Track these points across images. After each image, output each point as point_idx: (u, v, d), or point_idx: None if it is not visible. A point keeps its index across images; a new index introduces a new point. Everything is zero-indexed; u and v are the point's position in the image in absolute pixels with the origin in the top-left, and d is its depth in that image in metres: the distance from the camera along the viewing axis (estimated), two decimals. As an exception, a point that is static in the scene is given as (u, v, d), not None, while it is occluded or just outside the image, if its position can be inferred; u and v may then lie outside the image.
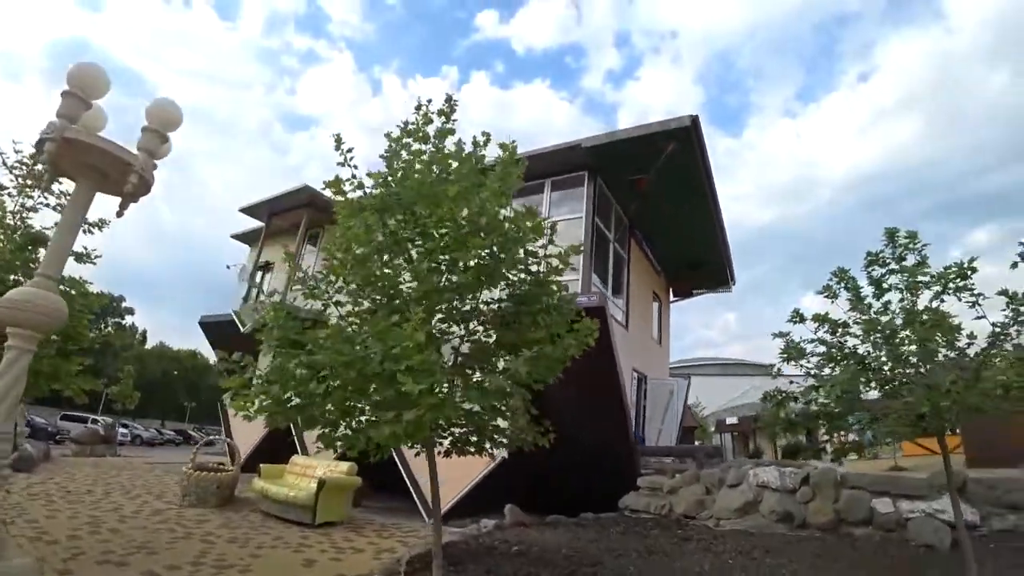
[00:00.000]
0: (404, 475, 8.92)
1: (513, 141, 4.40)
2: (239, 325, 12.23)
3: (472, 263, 4.04)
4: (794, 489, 8.58)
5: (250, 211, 13.83)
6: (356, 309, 4.49)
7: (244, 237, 15.78)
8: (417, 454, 4.67)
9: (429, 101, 4.84)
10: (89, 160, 3.30)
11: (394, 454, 9.31)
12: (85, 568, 4.94)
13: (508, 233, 4.04)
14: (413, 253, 4.30)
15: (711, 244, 12.93)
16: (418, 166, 4.47)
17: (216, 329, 14.00)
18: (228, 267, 14.96)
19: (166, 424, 39.12)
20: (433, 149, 4.71)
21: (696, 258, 13.79)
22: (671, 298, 16.02)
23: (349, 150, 4.59)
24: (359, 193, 4.62)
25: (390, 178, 4.47)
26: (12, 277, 5.43)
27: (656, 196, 10.96)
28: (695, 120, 9.34)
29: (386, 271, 4.26)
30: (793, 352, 6.30)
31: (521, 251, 4.18)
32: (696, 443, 23.79)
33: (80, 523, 6.42)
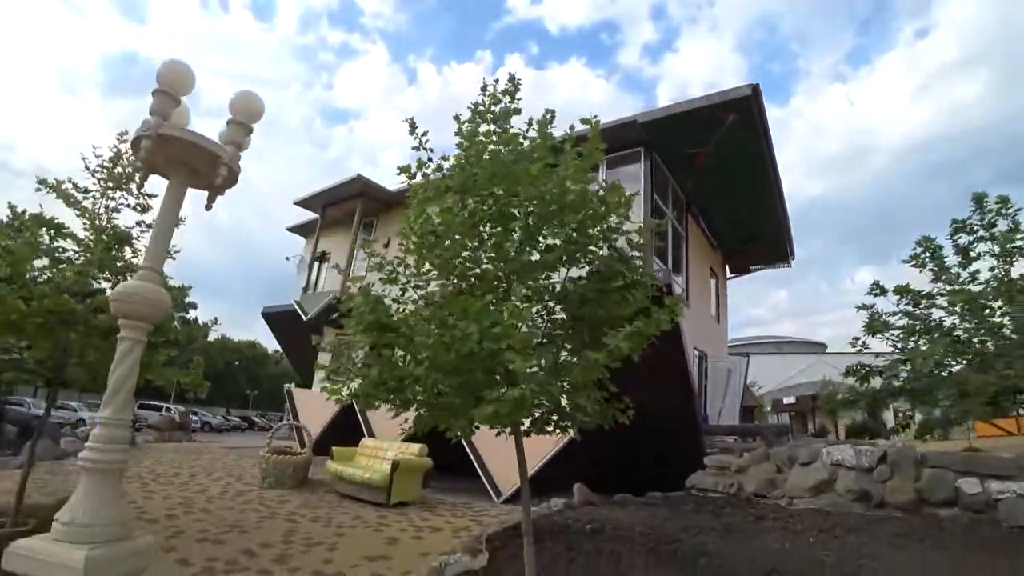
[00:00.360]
0: (471, 456, 9.02)
1: (595, 116, 4.27)
2: (301, 314, 12.56)
3: (558, 241, 3.97)
4: (870, 468, 8.26)
5: (305, 204, 14.12)
6: (437, 291, 4.49)
7: (299, 229, 16.15)
8: (498, 434, 4.67)
9: (496, 81, 4.77)
10: (182, 156, 3.36)
11: (464, 439, 9.42)
12: (186, 545, 5.18)
13: (594, 209, 3.94)
14: (490, 233, 4.25)
15: (770, 218, 12.47)
16: (490, 147, 4.41)
17: (278, 319, 14.42)
18: (287, 259, 15.41)
19: (231, 411, 40.78)
20: (500, 130, 4.64)
21: (754, 233, 13.34)
22: (728, 275, 15.60)
23: (424, 134, 4.57)
24: (437, 175, 4.58)
25: (464, 160, 4.42)
26: (103, 275, 5.66)
27: (713, 170, 10.61)
28: (755, 89, 8.96)
29: (467, 252, 4.23)
30: (877, 325, 6.02)
31: (605, 227, 4.08)
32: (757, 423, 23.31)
33: (174, 503, 6.75)
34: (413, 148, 4.59)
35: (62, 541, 2.69)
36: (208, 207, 3.63)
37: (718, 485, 9.44)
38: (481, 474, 8.91)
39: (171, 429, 17.35)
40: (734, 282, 16.51)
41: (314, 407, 12.90)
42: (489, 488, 8.80)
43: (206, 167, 3.36)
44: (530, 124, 4.62)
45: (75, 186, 5.84)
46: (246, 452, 14.78)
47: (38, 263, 5.64)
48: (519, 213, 4.12)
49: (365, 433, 10.85)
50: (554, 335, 4.44)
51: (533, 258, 4.08)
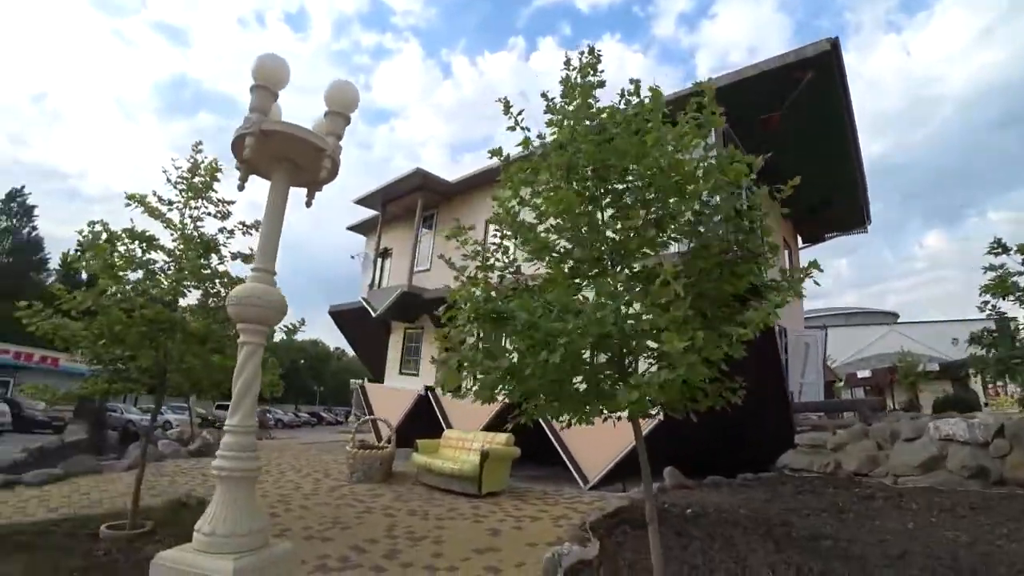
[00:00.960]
0: (555, 443, 8.85)
1: (710, 79, 3.95)
2: (370, 310, 12.63)
3: (688, 214, 3.69)
4: (986, 442, 7.65)
5: (365, 202, 14.18)
6: (540, 275, 4.27)
7: (359, 228, 16.28)
8: (605, 419, 4.46)
9: (582, 53, 4.49)
10: (284, 151, 3.21)
11: (542, 423, 9.27)
12: (295, 543, 5.14)
13: (716, 178, 3.62)
14: (601, 210, 4.00)
15: (846, 180, 11.71)
16: (586, 122, 4.13)
17: (345, 316, 14.58)
18: (352, 257, 15.57)
19: (300, 407, 42.15)
20: (588, 102, 4.37)
21: (827, 198, 12.56)
22: (800, 245, 14.81)
23: (519, 112, 4.34)
24: (537, 150, 4.34)
25: (563, 137, 4.16)
26: (193, 284, 5.69)
27: (786, 134, 9.98)
28: (835, 43, 8.32)
29: (575, 232, 3.98)
30: (1008, 286, 5.48)
31: (726, 196, 3.76)
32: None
33: (272, 501, 6.84)
34: (508, 128, 4.38)
35: (206, 552, 2.59)
36: (308, 203, 3.50)
37: (813, 464, 8.98)
38: (567, 461, 8.72)
39: (250, 427, 17.94)
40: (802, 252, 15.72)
41: (388, 401, 13.02)
42: (575, 475, 8.61)
43: (309, 161, 3.22)
44: (622, 95, 4.33)
45: (160, 199, 5.91)
46: (323, 447, 15.11)
47: (132, 275, 5.74)
48: (632, 188, 3.85)
49: (443, 424, 10.84)
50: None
51: (651, 232, 3.81)
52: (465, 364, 3.80)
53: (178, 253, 5.75)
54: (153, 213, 5.82)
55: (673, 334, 3.00)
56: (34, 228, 42.60)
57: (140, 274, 5.68)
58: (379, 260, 14.60)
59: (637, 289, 3.54)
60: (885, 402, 22.13)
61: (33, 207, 42.95)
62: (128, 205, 5.80)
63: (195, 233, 5.85)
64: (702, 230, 3.82)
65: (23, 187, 43.60)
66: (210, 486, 7.78)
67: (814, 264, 3.64)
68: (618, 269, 3.98)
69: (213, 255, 5.92)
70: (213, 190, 6.06)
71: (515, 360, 3.48)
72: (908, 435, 8.29)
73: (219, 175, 6.09)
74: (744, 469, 8.94)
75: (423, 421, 11.45)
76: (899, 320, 32.81)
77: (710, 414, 5.50)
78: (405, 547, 5.15)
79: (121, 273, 5.50)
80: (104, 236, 5.60)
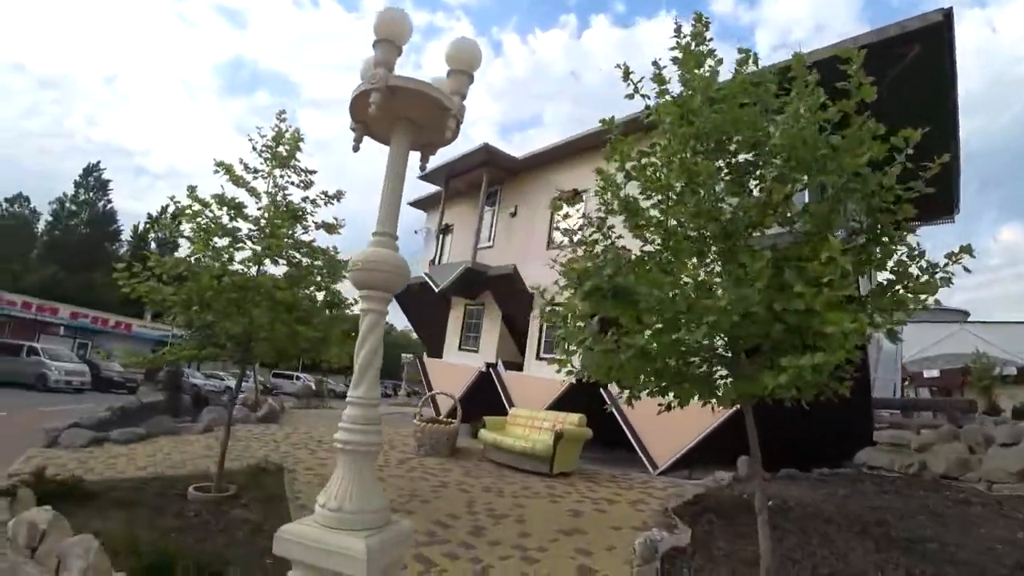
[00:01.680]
0: (624, 427, 8.59)
1: (859, 47, 3.53)
2: (432, 285, 12.55)
3: (830, 188, 3.33)
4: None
5: (428, 177, 14.04)
6: (652, 251, 4.00)
7: (420, 204, 16.21)
8: (681, 405, 4.21)
9: (699, 20, 4.11)
10: (407, 110, 2.96)
11: (612, 407, 9.02)
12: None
13: (863, 154, 3.25)
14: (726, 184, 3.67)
15: (944, 167, 10.82)
16: (706, 92, 3.78)
17: (405, 291, 14.57)
18: (416, 232, 15.55)
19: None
20: (708, 71, 4.03)
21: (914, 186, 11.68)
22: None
23: (639, 80, 4.03)
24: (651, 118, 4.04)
25: (682, 108, 3.83)
26: (280, 253, 5.63)
27: (880, 115, 9.24)
28: (948, 14, 7.56)
29: (696, 207, 3.66)
30: None
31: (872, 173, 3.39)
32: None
33: (347, 471, 6.82)
34: (627, 96, 4.08)
35: (333, 528, 2.43)
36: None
37: (894, 463, 8.43)
38: (636, 445, 8.47)
39: (309, 396, 18.36)
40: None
41: (447, 376, 12.99)
42: (644, 459, 8.34)
43: (431, 121, 2.98)
44: (744, 61, 3.96)
45: (246, 167, 5.84)
46: (386, 418, 15.17)
47: (220, 242, 5.71)
48: (765, 161, 3.52)
49: (505, 402, 10.74)
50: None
51: (782, 209, 3.47)
52: (585, 341, 3.59)
53: (263, 222, 5.70)
54: (238, 182, 5.77)
55: (840, 314, 2.71)
56: (109, 201, 44.64)
57: (226, 241, 5.66)
58: (441, 236, 14.52)
59: (782, 268, 3.20)
60: (976, 404, 20.93)
61: (108, 181, 44.93)
62: (216, 172, 5.76)
63: (282, 201, 5.78)
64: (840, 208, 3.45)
65: (98, 162, 45.69)
66: (283, 452, 7.89)
67: (966, 249, 3.24)
68: (739, 244, 3.66)
69: (299, 225, 5.86)
70: (296, 159, 5.97)
71: (647, 338, 3.23)
72: (1005, 440, 7.67)
73: (301, 144, 5.99)
74: (816, 463, 8.50)
75: (482, 397, 11.37)
76: (969, 319, 30.84)
77: (787, 405, 5.16)
78: (488, 524, 5.03)
79: (210, 240, 5.49)
80: (195, 205, 5.58)
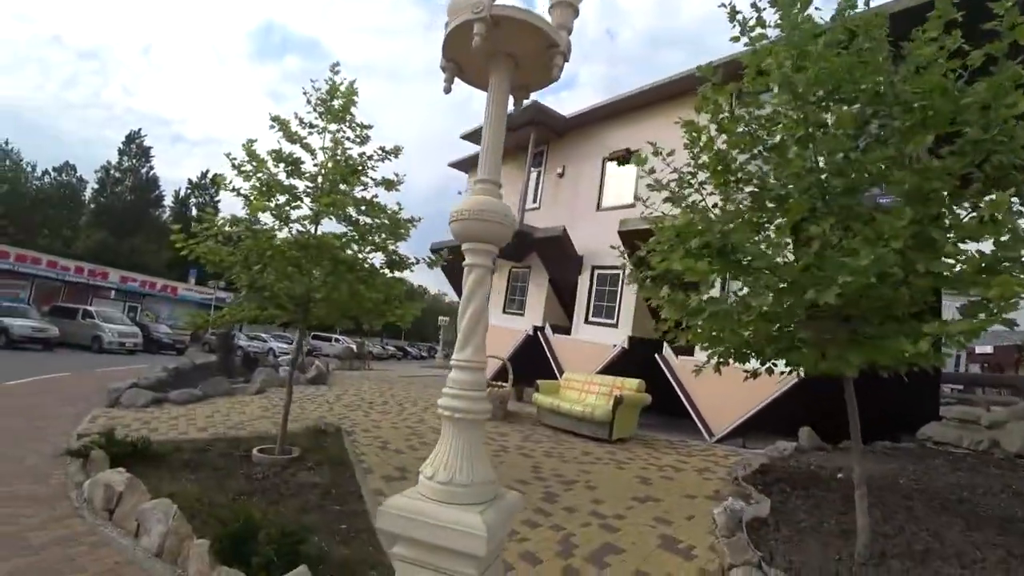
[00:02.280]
0: (680, 394, 8.32)
1: None
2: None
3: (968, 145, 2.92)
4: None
5: (471, 137, 13.64)
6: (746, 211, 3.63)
7: (461, 164, 15.81)
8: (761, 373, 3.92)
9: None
10: (510, 45, 2.60)
11: (668, 373, 8.74)
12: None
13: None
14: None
15: None
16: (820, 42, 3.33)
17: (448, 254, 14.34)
18: (459, 193, 15.23)
19: (386, 342, 43.61)
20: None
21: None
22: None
23: (749, 21, 3.60)
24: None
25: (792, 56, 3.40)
26: (347, 211, 5.39)
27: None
28: None
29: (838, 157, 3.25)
30: None
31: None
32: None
33: (401, 435, 6.67)
34: (731, 39, 3.66)
35: (444, 502, 2.19)
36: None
37: (962, 440, 7.97)
38: (692, 413, 8.19)
39: (351, 358, 18.53)
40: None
41: (491, 339, 12.70)
42: (700, 427, 8.08)
43: (534, 58, 2.63)
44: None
45: (301, 121, 5.58)
46: (424, 381, 15.33)
47: (277, 199, 5.50)
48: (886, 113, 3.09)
49: (554, 366, 10.54)
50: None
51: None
52: (698, 306, 3.28)
53: (320, 179, 5.46)
54: (292, 137, 5.51)
55: (1007, 276, 2.35)
56: (151, 168, 45.20)
57: (283, 199, 5.44)
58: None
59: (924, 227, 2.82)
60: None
61: (149, 148, 45.43)
62: (272, 127, 5.52)
63: (341, 157, 5.51)
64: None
65: (139, 130, 46.10)
66: (337, 414, 7.82)
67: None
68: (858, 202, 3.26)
69: (358, 181, 5.60)
70: (351, 114, 5.66)
71: (769, 301, 2.90)
72: (1090, 415, 7.14)
73: (356, 99, 5.67)
74: (877, 437, 8.11)
75: (528, 361, 11.18)
76: None
77: (865, 377, 4.79)
78: (559, 490, 4.82)
79: (271, 198, 5.28)
80: (250, 162, 5.36)
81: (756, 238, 3.28)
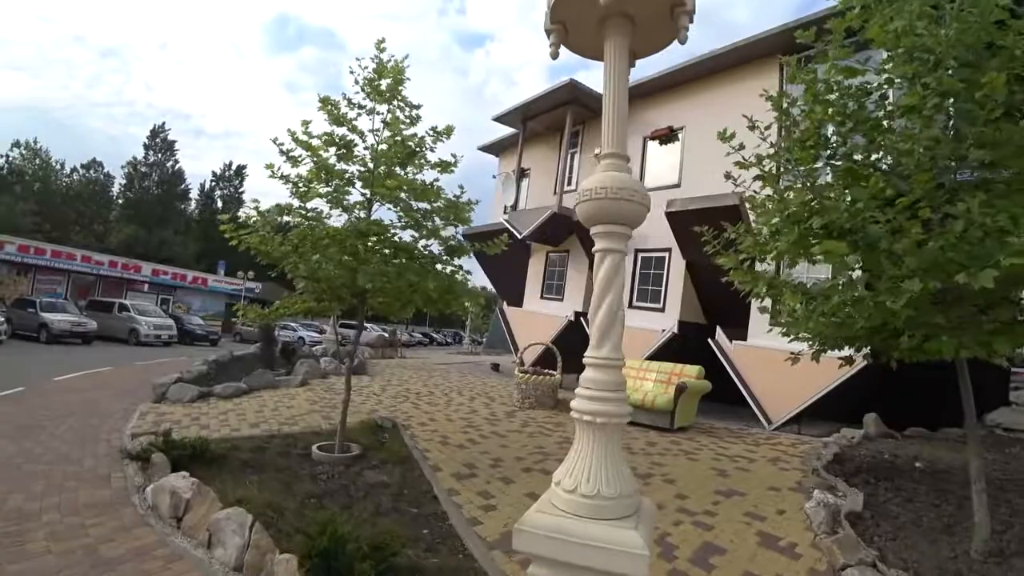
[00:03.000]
0: (737, 381, 8.00)
1: None
2: (515, 232, 11.95)
3: None
4: None
5: (504, 119, 13.26)
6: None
7: (491, 148, 15.47)
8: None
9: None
10: (631, 4, 2.28)
11: (724, 360, 8.42)
12: (516, 475, 4.72)
13: None
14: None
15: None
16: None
17: (480, 239, 14.05)
18: (494, 177, 14.88)
19: (413, 328, 43.64)
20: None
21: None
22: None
23: None
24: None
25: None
26: (402, 196, 5.12)
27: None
28: None
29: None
30: None
31: None
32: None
33: (457, 428, 6.44)
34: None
35: (592, 518, 1.92)
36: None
37: (1034, 425, 7.60)
38: (750, 400, 7.87)
39: (384, 346, 18.40)
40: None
41: (530, 326, 12.56)
42: (759, 414, 7.75)
43: (653, 18, 2.31)
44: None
45: (349, 102, 5.28)
46: (459, 368, 15.13)
47: (323, 189, 5.26)
48: None
49: (596, 352, 10.24)
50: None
51: None
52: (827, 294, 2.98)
53: (371, 163, 5.18)
54: (340, 120, 5.21)
55: None
56: (176, 162, 45.49)
57: (332, 186, 5.19)
58: (518, 181, 13.80)
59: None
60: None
61: (173, 142, 45.62)
62: (320, 109, 5.23)
63: (394, 139, 5.21)
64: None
65: (163, 124, 46.39)
66: (387, 407, 7.61)
67: None
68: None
69: (415, 165, 5.30)
70: (400, 94, 5.33)
71: (918, 287, 2.57)
72: None
73: (404, 77, 5.34)
74: (943, 423, 7.75)
75: (569, 347, 10.88)
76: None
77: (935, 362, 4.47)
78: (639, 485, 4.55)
79: (327, 182, 5.03)
80: (300, 148, 5.10)
81: (882, 218, 2.95)
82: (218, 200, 47.31)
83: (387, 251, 4.97)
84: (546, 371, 8.35)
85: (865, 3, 3.40)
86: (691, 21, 2.41)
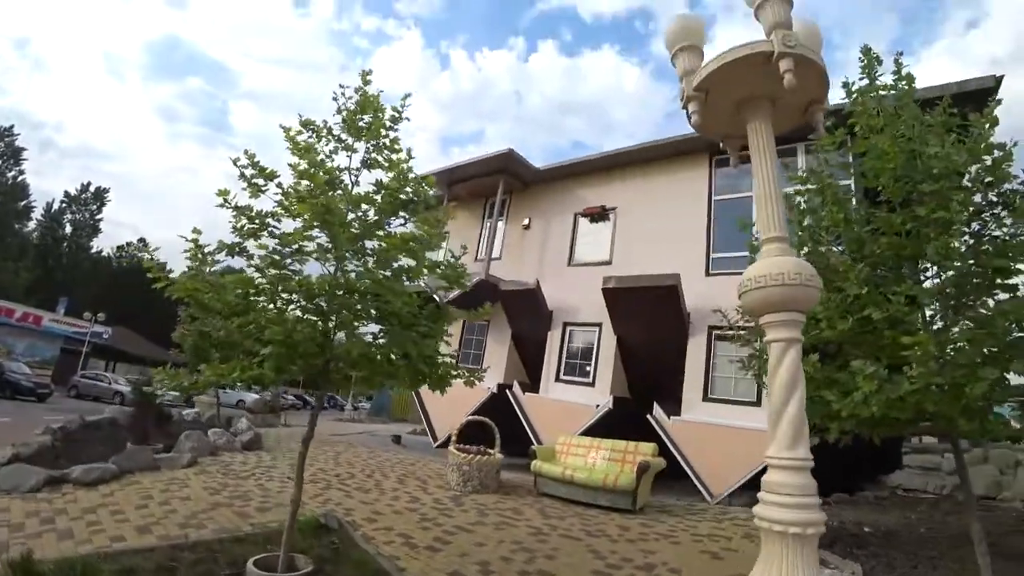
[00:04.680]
0: (678, 456, 8.09)
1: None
2: (436, 298, 11.48)
3: None
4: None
5: (443, 175, 13.10)
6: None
7: (403, 210, 15.06)
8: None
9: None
10: (740, 91, 2.40)
11: (663, 435, 8.51)
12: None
13: None
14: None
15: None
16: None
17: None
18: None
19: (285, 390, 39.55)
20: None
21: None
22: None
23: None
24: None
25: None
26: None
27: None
28: (999, 80, 7.50)
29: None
30: None
31: None
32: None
33: (412, 523, 5.50)
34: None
35: None
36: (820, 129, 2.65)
37: (927, 485, 8.54)
38: (692, 475, 7.92)
39: (264, 412, 16.31)
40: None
41: (446, 397, 11.89)
42: (701, 489, 7.84)
43: (791, 107, 2.39)
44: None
45: (329, 132, 4.60)
46: (359, 439, 13.83)
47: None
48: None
49: (527, 428, 9.89)
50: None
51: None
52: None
53: (361, 212, 4.52)
54: (303, 152, 4.25)
55: None
56: (21, 172, 38.34)
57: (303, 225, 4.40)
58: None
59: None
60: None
61: (22, 149, 38.60)
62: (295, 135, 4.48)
63: (398, 183, 4.37)
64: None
65: (12, 127, 39.23)
66: (313, 495, 6.33)
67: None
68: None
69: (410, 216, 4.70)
70: (381, 133, 4.49)
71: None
72: (1030, 462, 7.99)
73: (400, 115, 4.55)
74: (846, 487, 8.53)
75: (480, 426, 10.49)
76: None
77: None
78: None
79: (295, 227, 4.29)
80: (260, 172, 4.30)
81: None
82: (67, 225, 40.71)
83: (373, 312, 4.39)
84: (485, 450, 7.86)
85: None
86: (825, 119, 2.47)
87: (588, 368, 10.00)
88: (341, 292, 4.18)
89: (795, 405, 1.92)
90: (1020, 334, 3.42)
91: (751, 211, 9.50)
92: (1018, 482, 7.82)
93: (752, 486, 7.58)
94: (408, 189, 4.66)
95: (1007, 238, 3.70)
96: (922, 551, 5.03)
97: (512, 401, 10.33)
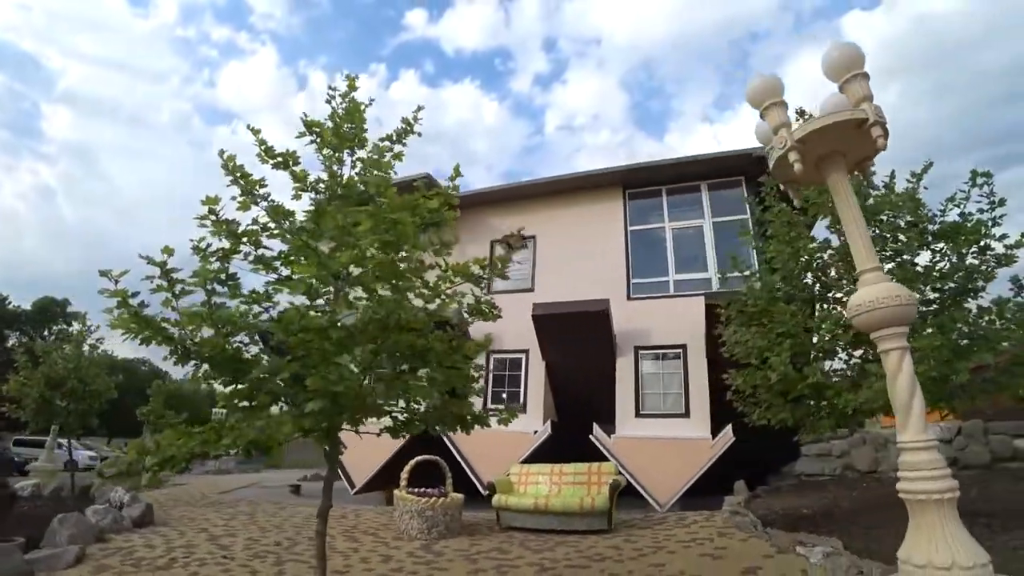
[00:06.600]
0: (624, 473, 8.67)
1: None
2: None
3: None
4: (950, 440, 9.74)
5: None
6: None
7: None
8: None
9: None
10: (825, 146, 3.17)
11: (606, 452, 9.09)
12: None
13: None
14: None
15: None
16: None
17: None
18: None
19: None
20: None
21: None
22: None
23: None
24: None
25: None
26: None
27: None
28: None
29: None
30: None
31: None
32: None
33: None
34: None
35: None
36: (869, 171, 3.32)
37: (824, 469, 10.24)
38: (638, 487, 8.50)
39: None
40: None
41: (356, 442, 11.44)
42: (649, 499, 8.43)
43: (853, 140, 3.11)
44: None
45: (320, 136, 4.30)
46: (259, 496, 12.51)
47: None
48: None
49: (461, 462, 9.91)
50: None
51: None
52: None
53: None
54: (277, 162, 4.13)
55: None
56: None
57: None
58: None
59: None
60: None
61: None
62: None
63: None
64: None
65: None
66: None
67: None
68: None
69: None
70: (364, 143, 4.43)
71: None
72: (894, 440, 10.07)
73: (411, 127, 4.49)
74: (757, 479, 9.93)
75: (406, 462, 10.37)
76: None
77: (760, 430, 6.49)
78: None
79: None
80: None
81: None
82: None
83: (398, 354, 4.32)
84: (445, 491, 7.81)
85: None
86: (884, 125, 3.08)
87: (518, 395, 10.39)
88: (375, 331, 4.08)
89: (918, 399, 2.55)
90: None
91: (664, 242, 10.82)
92: (889, 457, 9.72)
93: (690, 492, 8.53)
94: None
95: None
96: (859, 521, 6.09)
97: (444, 437, 10.36)
